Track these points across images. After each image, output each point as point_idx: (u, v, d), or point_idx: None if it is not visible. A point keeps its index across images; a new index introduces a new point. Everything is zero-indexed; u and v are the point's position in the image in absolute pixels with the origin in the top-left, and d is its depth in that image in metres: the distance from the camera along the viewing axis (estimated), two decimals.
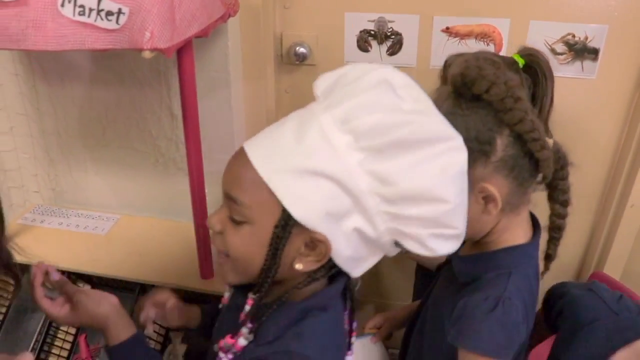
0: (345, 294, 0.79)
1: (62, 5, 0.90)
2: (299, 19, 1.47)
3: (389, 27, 1.43)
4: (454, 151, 0.66)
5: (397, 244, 0.70)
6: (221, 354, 0.76)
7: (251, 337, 0.74)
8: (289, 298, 0.73)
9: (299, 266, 0.70)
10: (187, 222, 1.32)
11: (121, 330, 0.84)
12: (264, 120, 1.48)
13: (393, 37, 1.44)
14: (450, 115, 0.71)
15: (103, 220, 1.53)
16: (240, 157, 0.70)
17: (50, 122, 1.51)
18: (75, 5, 0.90)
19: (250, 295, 0.76)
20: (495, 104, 0.78)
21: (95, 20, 0.90)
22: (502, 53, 1.39)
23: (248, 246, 0.70)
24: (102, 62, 1.39)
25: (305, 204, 0.66)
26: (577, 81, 1.38)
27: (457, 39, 1.40)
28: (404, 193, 0.64)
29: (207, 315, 0.99)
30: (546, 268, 0.96)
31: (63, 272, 1.37)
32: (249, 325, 0.74)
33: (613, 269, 1.52)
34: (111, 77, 1.40)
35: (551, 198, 0.91)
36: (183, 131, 1.19)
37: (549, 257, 0.94)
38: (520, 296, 0.83)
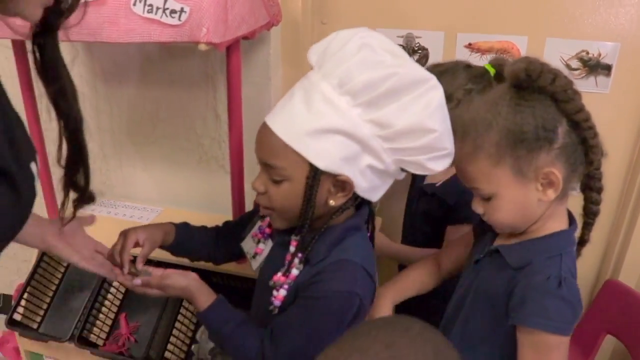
0: (368, 220, 0.98)
1: (134, 4, 1.06)
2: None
3: (417, 42, 1.57)
4: (431, 90, 0.82)
5: (402, 169, 0.89)
6: (274, 292, 0.92)
7: (301, 266, 0.90)
8: (329, 224, 0.90)
9: (332, 202, 0.88)
10: (225, 216, 1.43)
11: (207, 297, 0.98)
12: None
13: (420, 51, 1.57)
14: (517, 107, 0.84)
15: (147, 211, 1.67)
16: (266, 131, 0.87)
17: (106, 120, 1.67)
18: (145, 4, 1.05)
19: (293, 238, 0.92)
20: (558, 94, 0.85)
21: (161, 17, 1.06)
22: None
23: (289, 198, 0.88)
24: (155, 65, 1.55)
25: (325, 156, 0.84)
26: (591, 96, 1.48)
27: (478, 54, 1.52)
28: (400, 131, 0.82)
29: (180, 234, 1.11)
30: (579, 252, 1.00)
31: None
32: (299, 255, 0.91)
33: (628, 278, 1.58)
34: (163, 78, 1.56)
35: (587, 186, 0.96)
36: (227, 131, 1.32)
37: (583, 242, 1.00)
38: (573, 275, 0.91)
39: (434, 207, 1.33)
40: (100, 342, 1.45)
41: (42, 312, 1.53)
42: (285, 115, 0.86)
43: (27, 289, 1.51)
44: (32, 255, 2.03)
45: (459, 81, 1.16)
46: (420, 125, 0.82)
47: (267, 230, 1.06)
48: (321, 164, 0.84)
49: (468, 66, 1.20)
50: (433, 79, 0.83)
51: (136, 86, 1.60)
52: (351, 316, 0.89)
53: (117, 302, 1.51)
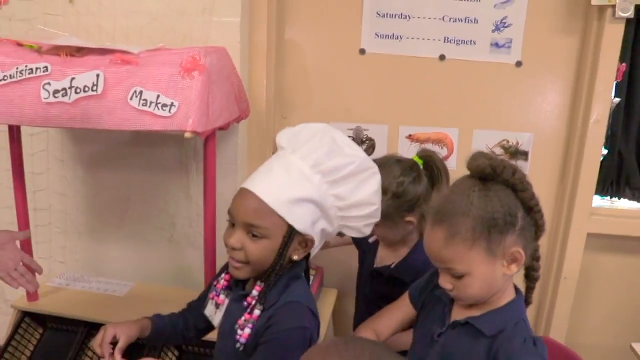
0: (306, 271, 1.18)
1: (131, 98, 1.26)
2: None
3: (365, 134, 1.82)
4: (374, 174, 1.08)
5: (339, 233, 1.13)
6: (239, 331, 1.06)
7: (261, 307, 1.07)
8: (277, 277, 1.08)
9: (295, 257, 1.08)
10: (194, 290, 1.53)
11: None
12: None
13: (368, 141, 1.82)
14: (486, 197, 1.00)
15: (120, 286, 1.77)
16: (250, 195, 1.04)
17: (82, 201, 1.81)
18: (140, 98, 1.25)
19: (259, 283, 1.09)
20: (517, 185, 1.01)
21: (153, 110, 1.25)
22: (453, 155, 1.77)
23: (265, 253, 1.05)
24: (133, 151, 1.73)
25: (302, 220, 1.04)
26: None
27: (417, 143, 1.78)
28: (352, 203, 1.07)
29: (155, 327, 1.22)
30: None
31: (88, 323, 1.60)
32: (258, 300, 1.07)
33: (557, 334, 1.78)
34: (140, 163, 1.73)
35: (531, 257, 1.09)
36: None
37: (528, 304, 1.13)
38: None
39: (390, 288, 1.41)
40: None
41: None
42: (268, 185, 1.05)
43: (2, 357, 1.57)
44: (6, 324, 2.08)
45: (392, 174, 1.33)
46: (366, 200, 1.07)
47: (225, 284, 1.18)
48: (299, 226, 1.04)
49: (399, 160, 1.37)
50: (375, 167, 1.09)
51: (114, 170, 1.76)
52: (305, 347, 1.00)
53: None
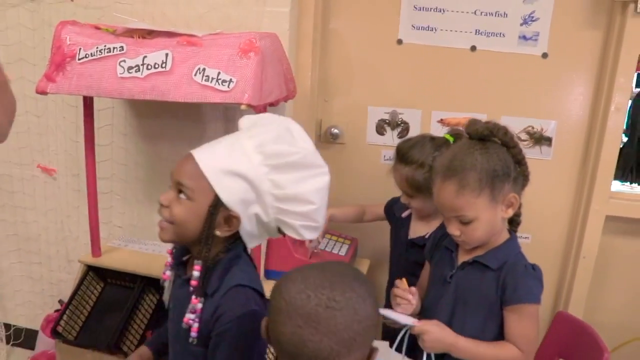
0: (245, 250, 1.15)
1: (195, 75, 1.44)
2: (335, 109, 2.02)
3: (400, 117, 1.96)
4: (322, 174, 1.05)
5: (279, 230, 1.10)
6: (190, 322, 1.08)
7: (203, 300, 1.06)
8: (216, 260, 1.08)
9: (218, 232, 1.05)
10: None
11: None
12: None
13: (402, 124, 1.97)
14: (486, 154, 1.20)
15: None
16: (190, 159, 1.05)
17: (141, 171, 2.01)
18: (203, 75, 1.43)
19: (196, 262, 1.07)
20: (509, 142, 1.23)
21: (214, 85, 1.43)
22: None
23: (188, 216, 1.05)
24: (186, 126, 1.91)
25: (229, 192, 1.03)
26: (537, 162, 1.86)
27: (448, 127, 1.92)
28: (289, 195, 1.03)
29: (155, 348, 1.34)
30: None
31: (143, 278, 1.79)
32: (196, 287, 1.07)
33: (575, 310, 1.90)
34: (195, 138, 1.91)
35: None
36: None
37: (518, 224, 1.35)
38: None
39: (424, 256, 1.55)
40: (130, 353, 1.70)
41: (79, 326, 1.79)
42: (209, 153, 1.06)
43: (69, 306, 1.77)
44: (59, 290, 2.31)
45: (427, 150, 1.54)
46: (305, 197, 1.03)
47: (168, 263, 1.17)
48: (224, 197, 1.03)
49: (432, 138, 1.58)
50: (326, 167, 1.06)
51: (171, 143, 1.95)
52: (258, 330, 0.97)
53: (146, 321, 1.78)
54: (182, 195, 1.05)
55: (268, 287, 1.63)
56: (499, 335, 1.28)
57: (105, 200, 2.05)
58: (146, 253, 1.93)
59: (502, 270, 1.26)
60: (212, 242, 1.06)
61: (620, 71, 1.69)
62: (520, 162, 1.25)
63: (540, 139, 1.86)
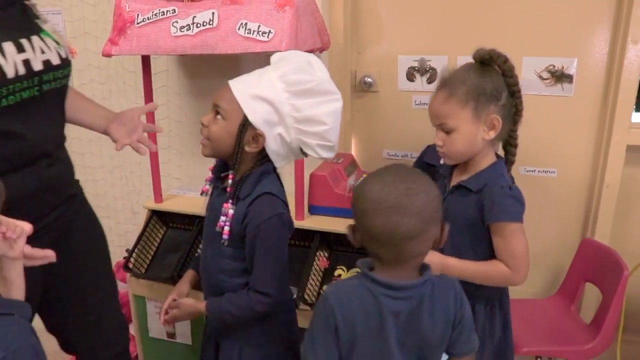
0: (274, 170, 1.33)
1: (238, 28, 1.63)
2: (367, 60, 2.18)
3: (428, 64, 2.11)
4: (335, 100, 1.23)
5: (302, 151, 1.29)
6: (222, 222, 1.28)
7: (234, 207, 1.26)
8: (251, 171, 1.28)
9: (247, 149, 1.25)
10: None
11: (201, 305, 1.37)
12: (343, 128, 2.13)
13: (430, 71, 2.11)
14: (481, 75, 1.33)
15: None
16: (227, 87, 1.26)
17: (195, 127, 2.23)
18: (245, 28, 1.62)
19: (231, 172, 1.29)
20: (507, 72, 1.34)
21: (255, 36, 1.62)
22: None
23: (222, 133, 1.25)
24: None
25: (255, 113, 1.23)
26: (559, 98, 1.98)
27: None
28: (305, 117, 1.22)
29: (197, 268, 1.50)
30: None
31: (200, 219, 2.01)
32: (232, 196, 1.27)
33: (601, 237, 2.02)
34: None
35: (509, 143, 1.42)
36: None
37: (512, 163, 1.44)
38: (513, 182, 1.38)
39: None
40: None
41: (147, 263, 2.04)
42: (242, 82, 1.26)
43: (137, 246, 2.02)
44: (126, 240, 2.56)
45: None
46: (320, 118, 1.22)
47: (208, 178, 1.38)
48: (251, 117, 1.22)
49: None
50: (339, 94, 1.24)
51: None
52: (285, 230, 1.26)
53: None
54: (218, 117, 1.26)
55: (313, 221, 1.88)
56: (492, 257, 1.36)
57: (163, 155, 2.28)
58: (202, 198, 2.14)
59: (482, 192, 1.35)
60: (243, 156, 1.26)
61: (637, 4, 1.78)
62: (514, 93, 1.35)
63: (561, 77, 1.97)
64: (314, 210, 1.93)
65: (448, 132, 1.36)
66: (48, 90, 1.26)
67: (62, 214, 1.39)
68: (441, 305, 1.07)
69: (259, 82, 1.24)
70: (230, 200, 1.27)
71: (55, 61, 1.27)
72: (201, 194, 1.41)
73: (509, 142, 1.43)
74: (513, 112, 1.37)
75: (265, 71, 1.27)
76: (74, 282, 1.47)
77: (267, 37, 1.61)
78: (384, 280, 1.03)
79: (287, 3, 1.62)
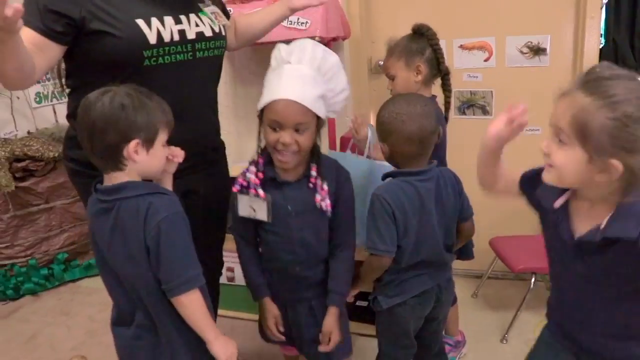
0: None
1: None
2: (380, 48, 2.65)
3: None
4: (340, 64, 1.46)
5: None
6: (322, 205, 1.48)
7: (325, 183, 1.49)
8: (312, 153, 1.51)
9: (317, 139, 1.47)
10: None
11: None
12: (362, 104, 2.61)
13: None
14: (409, 40, 1.87)
15: None
16: (291, 103, 1.37)
17: (241, 110, 2.71)
18: (287, 20, 2.10)
19: (313, 164, 1.49)
20: (429, 36, 1.87)
21: (295, 26, 2.10)
22: (492, 56, 2.49)
23: (310, 140, 1.44)
24: None
25: (321, 111, 1.43)
26: (537, 69, 2.45)
27: (467, 50, 2.52)
28: (337, 91, 1.46)
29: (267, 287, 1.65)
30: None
31: None
32: (317, 178, 1.50)
33: None
34: None
35: (444, 88, 1.93)
36: None
37: (448, 103, 1.95)
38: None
39: None
40: None
41: None
42: (301, 92, 1.38)
43: None
44: None
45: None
46: (344, 87, 1.48)
47: (256, 181, 1.48)
48: (322, 114, 1.43)
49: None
50: (338, 58, 1.45)
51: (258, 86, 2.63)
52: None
53: None
54: (300, 129, 1.40)
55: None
56: None
57: None
58: None
59: None
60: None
61: None
62: (436, 51, 1.87)
63: (537, 51, 2.44)
64: None
65: (392, 79, 1.90)
66: (201, 57, 1.53)
67: (204, 160, 1.67)
68: (449, 181, 1.55)
69: (310, 84, 1.40)
70: (320, 178, 1.48)
71: (208, 33, 1.55)
72: (260, 201, 1.50)
73: (444, 87, 1.94)
74: (436, 62, 1.88)
75: (301, 72, 1.41)
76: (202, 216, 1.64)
77: (305, 26, 2.10)
78: (414, 170, 1.51)
79: None
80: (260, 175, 1.49)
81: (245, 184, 1.51)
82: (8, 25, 1.05)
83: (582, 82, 1.00)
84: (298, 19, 2.10)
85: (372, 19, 2.64)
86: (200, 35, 1.52)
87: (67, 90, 1.56)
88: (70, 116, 1.54)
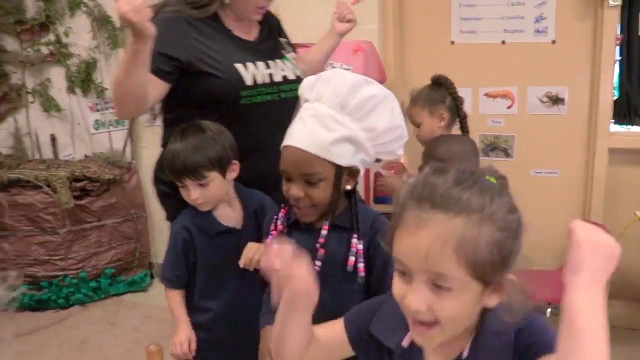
0: None
1: (327, 67, 2.39)
2: None
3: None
4: (393, 101, 1.19)
5: (376, 160, 1.29)
6: (352, 260, 1.21)
7: (360, 242, 1.22)
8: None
9: (348, 187, 1.23)
10: None
11: None
12: None
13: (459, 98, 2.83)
14: (433, 90, 2.10)
15: None
16: (295, 150, 1.16)
17: None
18: (331, 66, 2.38)
19: (325, 223, 1.23)
20: (448, 85, 2.08)
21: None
22: (515, 104, 2.74)
23: (326, 192, 1.19)
24: None
25: (343, 156, 1.17)
26: (555, 116, 2.68)
27: (491, 98, 2.77)
28: (381, 132, 1.18)
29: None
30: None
31: None
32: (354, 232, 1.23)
33: (595, 217, 2.66)
34: None
35: (463, 130, 2.10)
36: None
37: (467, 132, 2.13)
38: None
39: None
40: None
41: None
42: (307, 136, 1.16)
43: None
44: None
45: None
46: (394, 124, 1.18)
47: (280, 229, 1.30)
48: (342, 162, 1.16)
49: None
50: (391, 94, 1.19)
51: None
52: None
53: None
54: (312, 180, 1.18)
55: (380, 208, 2.57)
56: None
57: None
58: None
59: None
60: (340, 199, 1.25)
61: (606, 43, 2.50)
62: (455, 99, 2.07)
63: (556, 100, 2.67)
64: (378, 200, 2.64)
65: (418, 126, 2.09)
66: (285, 98, 1.68)
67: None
68: None
69: (324, 126, 1.16)
70: (356, 236, 1.23)
71: (291, 77, 1.73)
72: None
73: (462, 129, 2.13)
74: (456, 108, 2.08)
75: (317, 112, 1.18)
76: None
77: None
78: None
79: (359, 49, 2.40)
80: (280, 227, 1.32)
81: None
82: (138, 29, 1.27)
83: (430, 203, 0.77)
84: (341, 65, 2.38)
85: (405, 66, 2.91)
86: (285, 78, 1.72)
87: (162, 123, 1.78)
88: (164, 145, 1.73)
